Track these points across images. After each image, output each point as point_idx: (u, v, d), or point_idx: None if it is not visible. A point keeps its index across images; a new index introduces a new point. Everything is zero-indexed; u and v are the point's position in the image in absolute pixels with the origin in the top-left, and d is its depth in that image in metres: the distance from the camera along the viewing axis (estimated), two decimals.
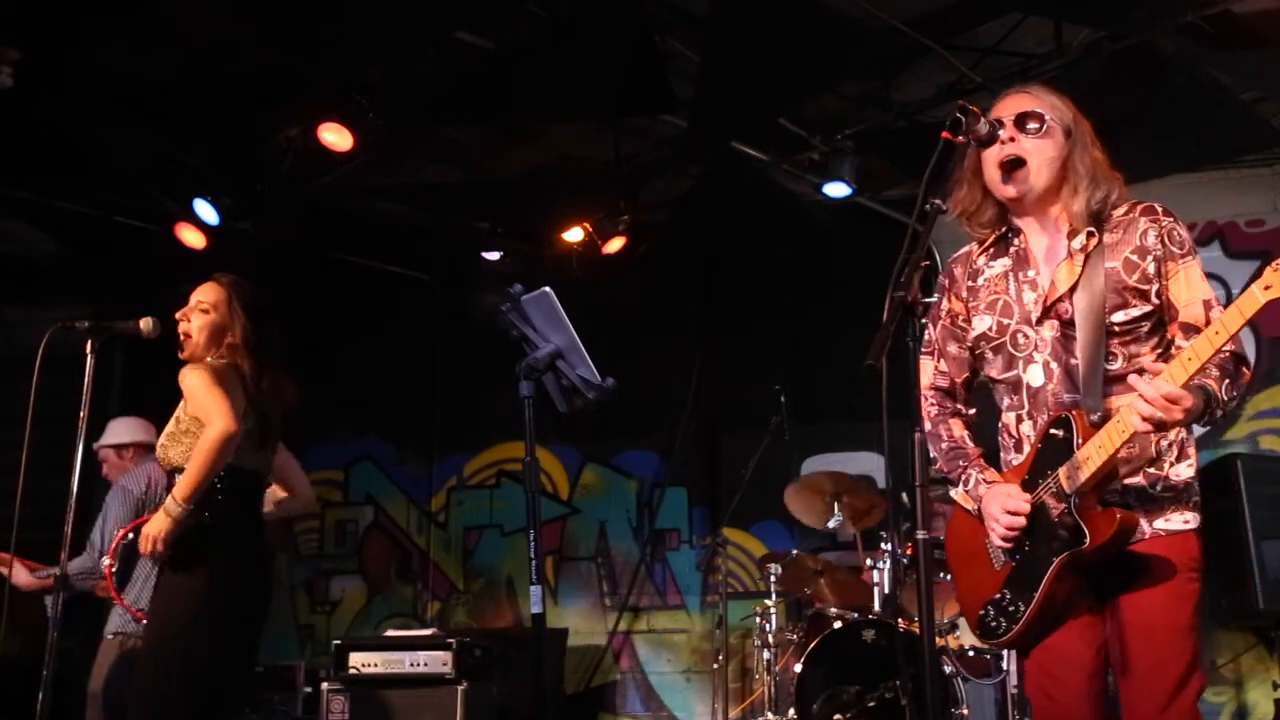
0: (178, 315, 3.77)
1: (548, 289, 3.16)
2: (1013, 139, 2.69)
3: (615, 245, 7.40)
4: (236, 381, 3.64)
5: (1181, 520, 2.62)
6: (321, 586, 8.45)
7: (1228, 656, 6.55)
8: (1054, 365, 2.70)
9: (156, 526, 3.51)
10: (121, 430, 5.22)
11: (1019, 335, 2.76)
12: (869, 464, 7.50)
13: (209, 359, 3.70)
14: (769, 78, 5.86)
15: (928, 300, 2.76)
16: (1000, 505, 2.68)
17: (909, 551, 5.49)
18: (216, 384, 3.55)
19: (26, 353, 3.82)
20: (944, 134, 2.55)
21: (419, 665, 5.22)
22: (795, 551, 6.21)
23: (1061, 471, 2.59)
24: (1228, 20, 5.54)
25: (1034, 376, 2.73)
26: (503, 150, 7.21)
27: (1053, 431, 2.64)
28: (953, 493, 2.88)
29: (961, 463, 2.85)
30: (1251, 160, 6.86)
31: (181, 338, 3.76)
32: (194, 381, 3.57)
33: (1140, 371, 2.51)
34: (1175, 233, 2.69)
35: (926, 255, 2.49)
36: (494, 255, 7.95)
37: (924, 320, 2.87)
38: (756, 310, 7.96)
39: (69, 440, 3.73)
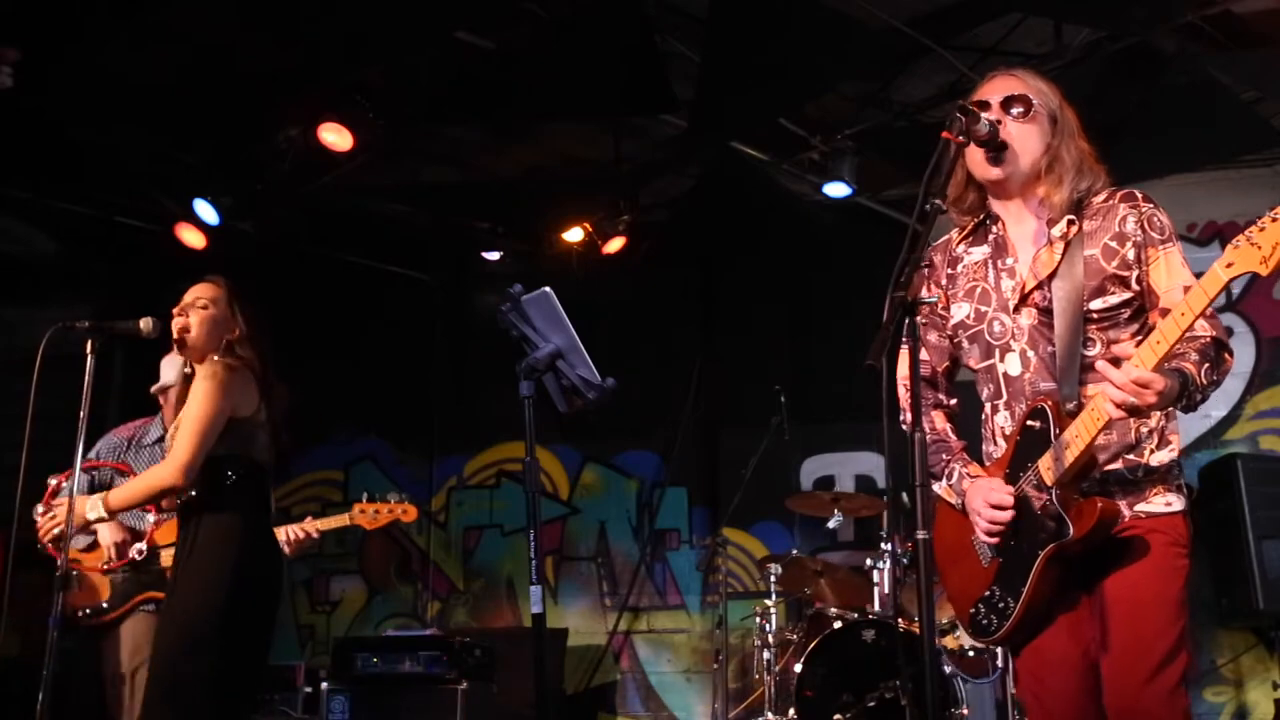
0: (174, 312, 3.76)
1: (548, 289, 3.15)
2: (999, 122, 2.66)
3: (615, 245, 7.40)
4: (250, 381, 3.63)
5: (1164, 503, 2.59)
6: (321, 586, 8.44)
7: (1228, 656, 6.55)
8: (1031, 354, 2.68)
9: (73, 515, 3.59)
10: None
11: (995, 323, 2.74)
12: (869, 464, 7.51)
13: (216, 357, 3.69)
14: (769, 78, 5.86)
15: (928, 300, 2.77)
16: (984, 499, 2.66)
17: (909, 548, 5.50)
18: (209, 419, 3.52)
19: (26, 353, 3.82)
20: (944, 134, 2.54)
21: (419, 665, 5.22)
22: (795, 552, 6.22)
23: (1041, 463, 2.57)
24: (1228, 20, 5.54)
25: (1011, 365, 2.71)
26: (503, 150, 7.21)
27: (1030, 422, 2.62)
28: (936, 487, 2.84)
29: (944, 456, 2.83)
30: (1251, 160, 6.86)
31: (177, 334, 3.75)
32: (197, 395, 3.55)
33: (1114, 360, 2.46)
34: (1155, 219, 2.64)
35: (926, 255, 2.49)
36: (494, 255, 7.95)
37: (924, 321, 2.87)
38: (756, 310, 7.97)
39: (69, 440, 3.72)
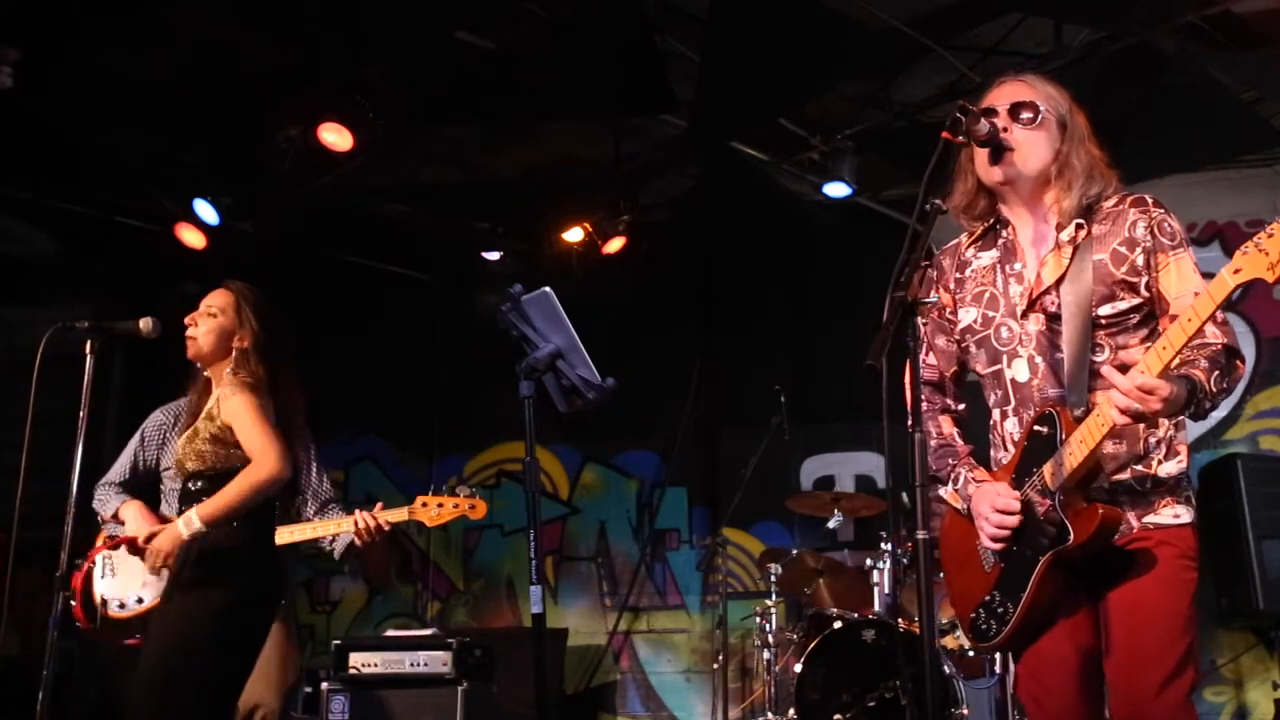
0: (186, 320, 3.75)
1: (548, 289, 3.15)
2: (1005, 129, 2.64)
3: (615, 245, 7.40)
4: (270, 404, 3.61)
5: (1172, 515, 2.58)
6: (321, 586, 8.44)
7: (1228, 656, 6.55)
8: (1039, 360, 2.66)
9: (169, 541, 3.50)
10: None
11: (1003, 328, 2.72)
12: (869, 464, 7.51)
13: (238, 373, 3.66)
14: (769, 78, 5.86)
15: (928, 300, 2.76)
16: (990, 504, 2.64)
17: (909, 548, 5.50)
18: (264, 415, 3.51)
19: (26, 353, 3.82)
20: (944, 134, 2.54)
21: (419, 665, 5.21)
22: (795, 551, 6.22)
23: (1046, 468, 2.56)
24: (1228, 20, 5.54)
25: (1019, 371, 2.70)
26: (502, 150, 7.22)
27: (1038, 428, 2.61)
28: (942, 491, 2.83)
29: (951, 460, 2.82)
30: (1251, 160, 6.87)
31: (187, 340, 3.75)
32: (239, 409, 3.53)
33: (1121, 366, 2.46)
34: (1166, 224, 2.62)
35: (926, 255, 2.48)
36: (494, 255, 7.95)
37: (924, 321, 2.86)
38: (756, 310, 7.97)
39: (69, 440, 3.72)
